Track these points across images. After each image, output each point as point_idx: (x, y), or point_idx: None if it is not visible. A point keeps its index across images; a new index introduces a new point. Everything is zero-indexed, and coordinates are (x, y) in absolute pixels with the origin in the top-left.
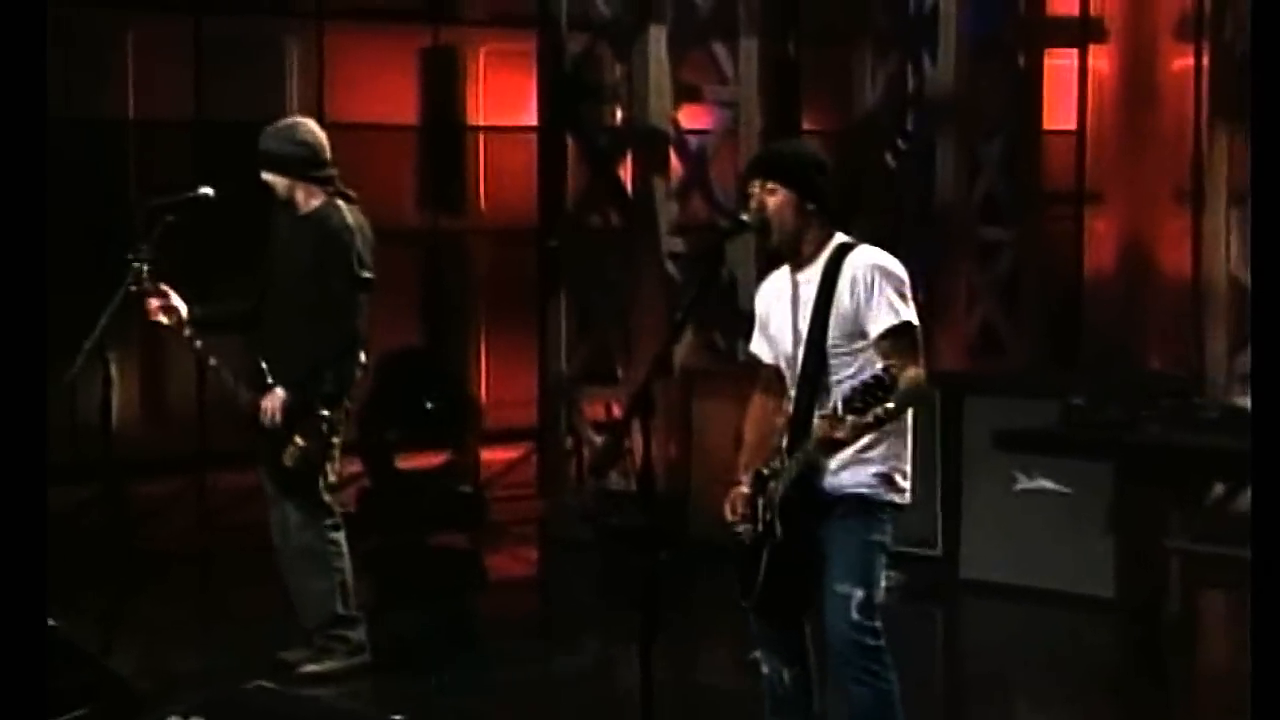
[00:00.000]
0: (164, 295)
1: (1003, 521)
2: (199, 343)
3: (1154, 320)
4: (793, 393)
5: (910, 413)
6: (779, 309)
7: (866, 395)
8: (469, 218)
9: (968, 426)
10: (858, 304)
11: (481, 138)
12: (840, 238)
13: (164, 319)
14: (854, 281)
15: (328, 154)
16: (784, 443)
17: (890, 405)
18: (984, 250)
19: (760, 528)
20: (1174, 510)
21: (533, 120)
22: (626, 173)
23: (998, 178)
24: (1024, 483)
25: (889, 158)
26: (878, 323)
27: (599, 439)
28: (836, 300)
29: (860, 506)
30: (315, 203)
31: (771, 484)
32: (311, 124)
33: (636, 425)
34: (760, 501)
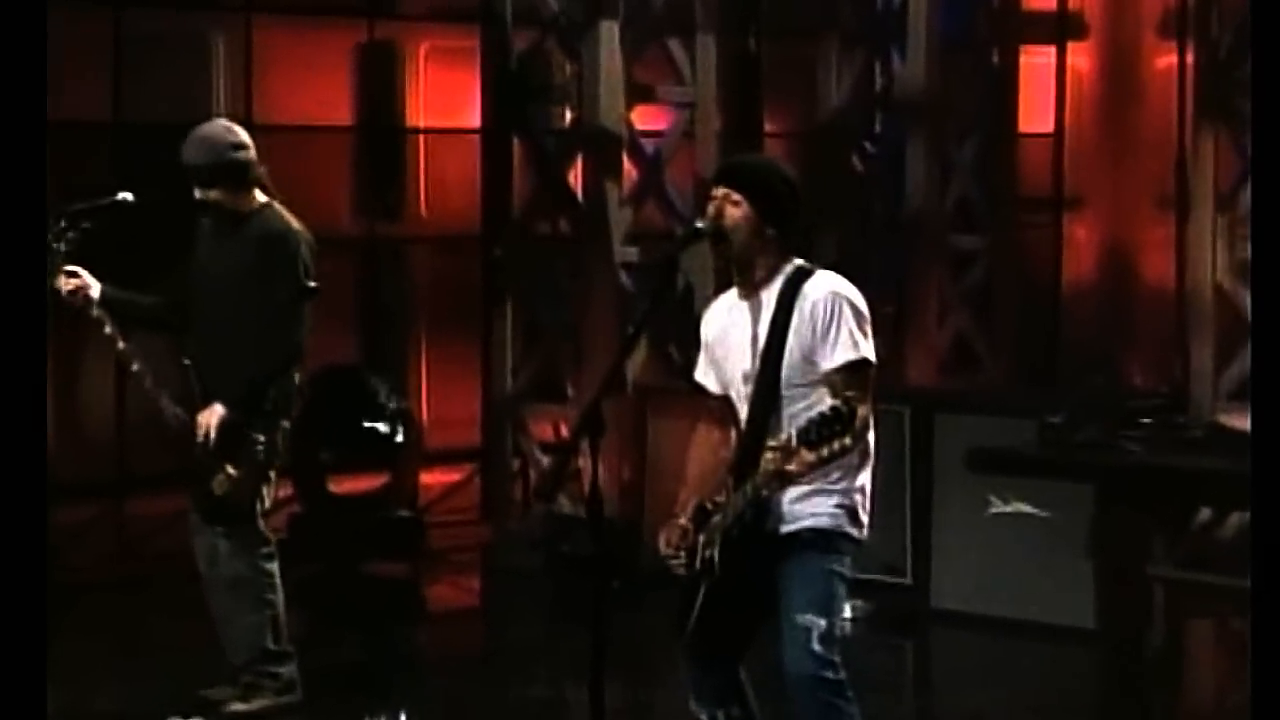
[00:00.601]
0: (74, 275)
1: (976, 547)
2: (123, 344)
3: (1137, 333)
4: (742, 424)
5: (873, 443)
6: (729, 336)
7: (823, 428)
8: (408, 225)
9: (939, 446)
10: (814, 334)
11: (422, 140)
12: (797, 262)
13: (74, 296)
14: (812, 309)
15: (253, 156)
16: (729, 476)
17: (847, 441)
18: (957, 259)
19: (699, 564)
20: (1158, 535)
21: (476, 121)
22: (576, 177)
23: (971, 182)
24: (999, 506)
25: (856, 161)
26: (834, 356)
27: (547, 460)
28: (793, 329)
29: (819, 538)
30: (253, 205)
31: (715, 518)
32: (233, 127)
33: (586, 445)
34: (700, 536)
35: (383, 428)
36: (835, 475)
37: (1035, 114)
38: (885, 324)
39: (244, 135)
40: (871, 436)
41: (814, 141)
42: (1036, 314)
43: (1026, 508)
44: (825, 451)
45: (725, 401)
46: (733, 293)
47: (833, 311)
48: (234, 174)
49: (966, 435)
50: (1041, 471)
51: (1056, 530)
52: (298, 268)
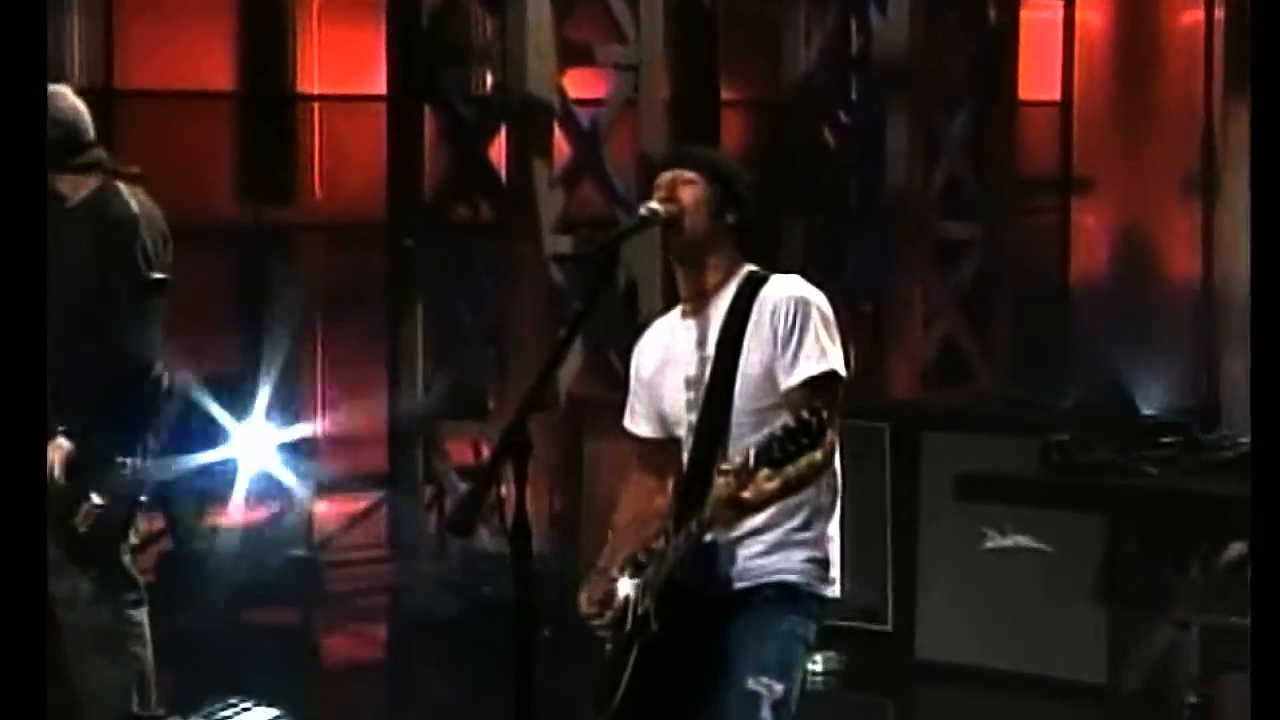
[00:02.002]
0: None
1: (968, 589)
2: None
3: (1156, 337)
4: (685, 456)
5: (840, 487)
6: (670, 366)
7: (787, 443)
8: (300, 210)
9: (925, 470)
10: (775, 344)
11: (316, 110)
12: (750, 268)
13: None
14: (772, 316)
15: (90, 129)
16: (669, 520)
17: (817, 457)
18: (946, 251)
19: (629, 623)
20: (1180, 574)
21: (381, 88)
22: (499, 153)
23: (962, 160)
24: (995, 540)
25: (828, 135)
26: (797, 369)
27: (465, 487)
28: (748, 340)
29: (784, 595)
30: (85, 191)
31: (650, 568)
32: (58, 92)
33: (510, 470)
34: (632, 591)
35: (270, 450)
36: (801, 520)
37: (1039, 80)
38: (862, 327)
39: (69, 103)
40: (838, 468)
41: (779, 112)
42: (1039, 315)
43: (1027, 542)
44: (791, 472)
45: (662, 447)
46: (672, 315)
47: (795, 317)
48: (51, 152)
49: (957, 457)
50: (1045, 499)
51: (1062, 568)
52: (137, 257)
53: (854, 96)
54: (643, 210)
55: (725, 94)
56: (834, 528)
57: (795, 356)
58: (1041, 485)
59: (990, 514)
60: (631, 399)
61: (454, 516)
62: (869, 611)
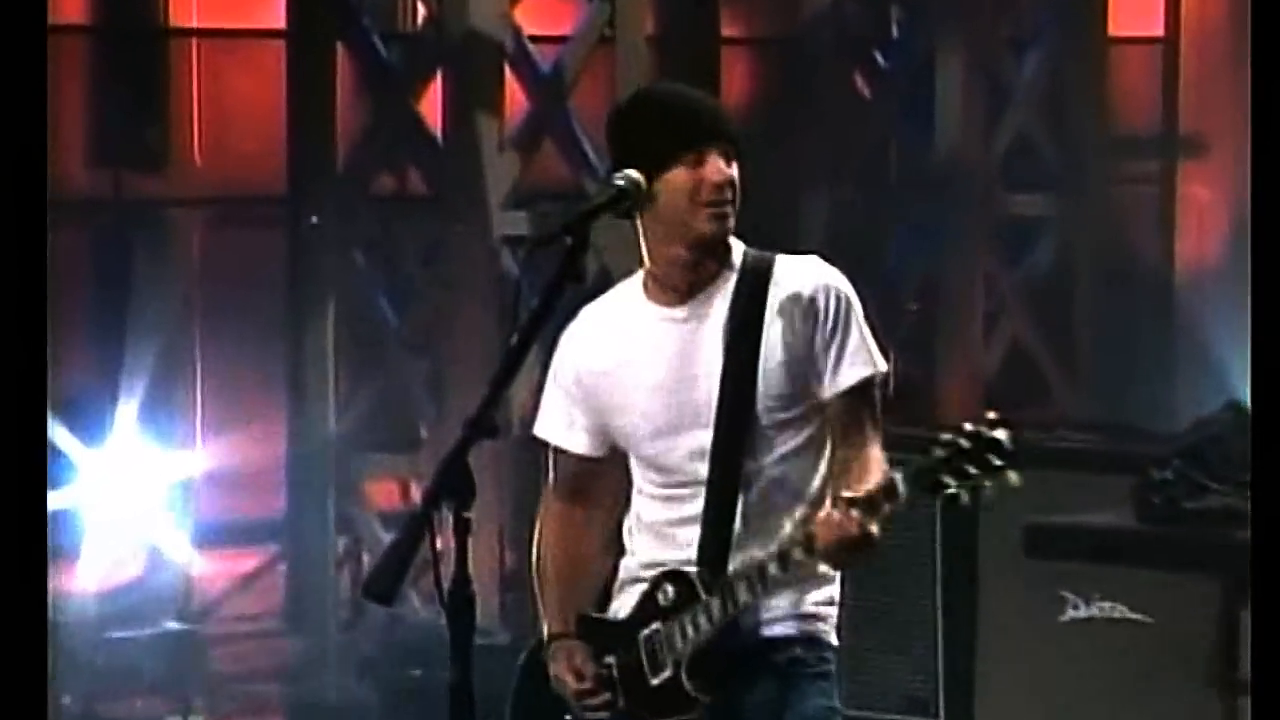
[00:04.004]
0: None
1: (1043, 671)
2: None
3: None
4: (675, 493)
5: None
6: (637, 363)
7: (970, 461)
8: (175, 179)
9: (986, 518)
10: (808, 345)
11: (195, 48)
12: (738, 246)
13: None
14: (807, 309)
15: None
16: (699, 569)
17: (1013, 476)
18: (1013, 232)
19: (629, 699)
20: None
21: (279, 21)
22: (434, 107)
23: (1034, 115)
24: (1078, 609)
25: (860, 82)
26: (842, 373)
27: (388, 539)
28: (767, 339)
29: (811, 653)
30: None
31: (657, 627)
32: None
33: (448, 515)
34: (635, 657)
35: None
36: (829, 591)
37: (1136, 9)
38: (906, 329)
39: None
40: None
41: (796, 53)
42: (1135, 315)
43: (1120, 611)
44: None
45: (602, 467)
46: (626, 298)
47: (834, 310)
48: None
49: (1027, 501)
50: (1143, 557)
51: (1166, 643)
52: None
53: (894, 33)
54: (618, 180)
55: (727, 29)
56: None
57: (839, 358)
58: (1138, 539)
59: (1071, 575)
60: (559, 404)
61: (373, 578)
62: (916, 702)
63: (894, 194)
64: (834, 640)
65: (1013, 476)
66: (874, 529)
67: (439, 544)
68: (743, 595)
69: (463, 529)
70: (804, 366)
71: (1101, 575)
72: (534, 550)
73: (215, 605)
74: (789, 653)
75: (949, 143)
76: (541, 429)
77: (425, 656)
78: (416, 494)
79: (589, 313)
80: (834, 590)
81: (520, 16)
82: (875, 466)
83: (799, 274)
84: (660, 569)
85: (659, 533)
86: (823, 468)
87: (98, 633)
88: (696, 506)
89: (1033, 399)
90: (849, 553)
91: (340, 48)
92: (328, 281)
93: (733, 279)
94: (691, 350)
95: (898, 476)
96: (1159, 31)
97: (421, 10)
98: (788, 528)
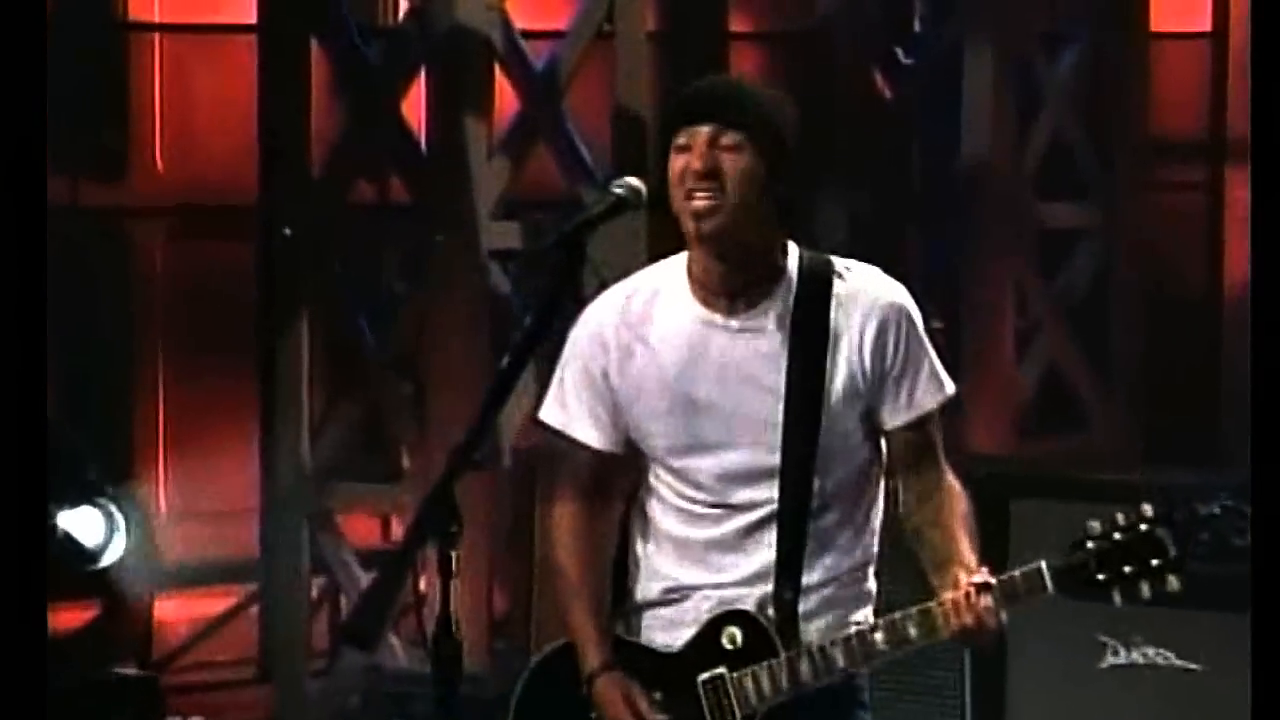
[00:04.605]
0: None
1: None
2: None
3: None
4: (707, 512)
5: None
6: (686, 371)
7: (1127, 560)
8: (136, 187)
9: (1018, 554)
10: (879, 368)
11: (157, 44)
12: (794, 248)
13: None
14: (878, 333)
15: None
16: (762, 613)
17: (1173, 579)
18: (1048, 244)
19: None
20: None
21: (250, 16)
22: (417, 108)
23: (1071, 115)
24: (1118, 655)
25: (880, 82)
26: (915, 402)
27: (368, 578)
28: (834, 359)
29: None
30: None
31: (721, 672)
32: None
33: (433, 553)
34: (692, 700)
35: (90, 526)
36: (860, 557)
37: (1180, 1)
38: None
39: None
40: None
41: (810, 49)
42: (1180, 334)
43: (1165, 656)
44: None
45: (611, 465)
46: (668, 290)
47: (907, 337)
48: None
49: (1063, 537)
50: (1189, 597)
51: (1214, 692)
52: None
53: (917, 25)
54: (618, 188)
55: (735, 23)
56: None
57: (913, 389)
58: (1186, 577)
59: (1111, 618)
60: (578, 392)
61: (352, 621)
62: None
63: (917, 202)
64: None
65: (1173, 581)
66: (1003, 618)
67: (423, 584)
68: (840, 662)
69: (448, 568)
70: (870, 395)
71: (1144, 618)
72: (554, 559)
73: (178, 651)
74: (849, 691)
75: (977, 146)
76: (552, 416)
77: (408, 707)
78: (399, 530)
79: (621, 294)
80: (876, 603)
81: (511, 9)
82: (959, 499)
83: (864, 293)
84: (692, 594)
85: (684, 551)
86: (880, 499)
87: (58, 676)
88: (726, 529)
89: (1068, 426)
90: (974, 640)
91: (315, 43)
92: (302, 298)
93: (790, 289)
94: (744, 366)
95: (1045, 567)
96: (1206, 26)
97: (404, 3)
98: (845, 565)
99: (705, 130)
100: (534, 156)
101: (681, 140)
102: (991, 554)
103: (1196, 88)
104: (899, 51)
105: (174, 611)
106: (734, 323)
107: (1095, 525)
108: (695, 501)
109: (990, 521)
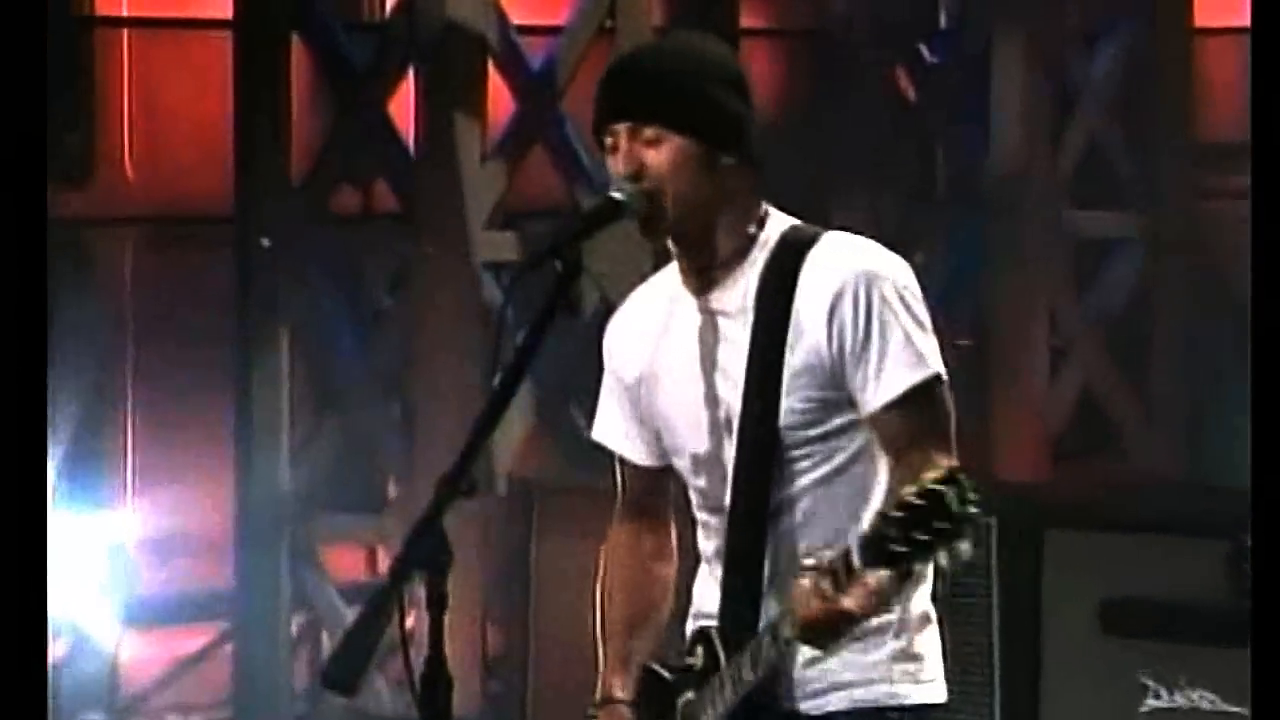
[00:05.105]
0: None
1: None
2: None
3: None
4: (709, 520)
5: None
6: (668, 360)
7: (912, 528)
8: (101, 194)
9: (1052, 590)
10: (842, 345)
11: (126, 40)
12: (781, 219)
13: None
14: (834, 302)
15: None
16: (712, 624)
17: (963, 548)
18: (1084, 255)
19: None
20: None
21: (224, 10)
22: (405, 110)
23: (1108, 118)
24: (1161, 698)
25: (903, 79)
26: (885, 381)
27: (351, 615)
28: (795, 339)
29: None
30: None
31: (690, 696)
32: None
33: (421, 588)
34: None
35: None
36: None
37: None
38: (958, 369)
39: None
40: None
41: (827, 46)
42: (1227, 352)
43: (1211, 700)
44: (916, 571)
45: (659, 481)
46: (666, 282)
47: (869, 301)
48: None
49: (1102, 571)
50: (1238, 636)
51: None
52: None
53: (943, 20)
54: (614, 193)
55: (746, 19)
56: (924, 600)
57: (880, 363)
58: (1232, 615)
59: (1153, 658)
60: (611, 403)
61: (334, 662)
62: None
63: (942, 211)
64: (911, 699)
65: (964, 548)
66: (848, 604)
67: (410, 622)
68: (760, 663)
69: (438, 604)
70: (834, 374)
71: (1189, 657)
72: (598, 586)
73: (148, 694)
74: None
75: (1007, 150)
76: (599, 432)
77: None
78: (384, 563)
79: (640, 293)
80: (901, 642)
81: (507, 4)
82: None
83: (832, 258)
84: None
85: (703, 569)
86: (874, 498)
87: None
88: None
89: (1107, 451)
90: (824, 633)
91: (296, 39)
92: (281, 313)
93: (762, 258)
94: (714, 350)
95: (855, 546)
96: (1249, 22)
97: None
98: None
99: (622, 128)
100: (530, 161)
101: (607, 140)
102: (1023, 590)
103: (1243, 87)
104: (923, 49)
105: (142, 651)
106: (702, 303)
107: (908, 495)
108: (701, 509)
109: (1022, 555)
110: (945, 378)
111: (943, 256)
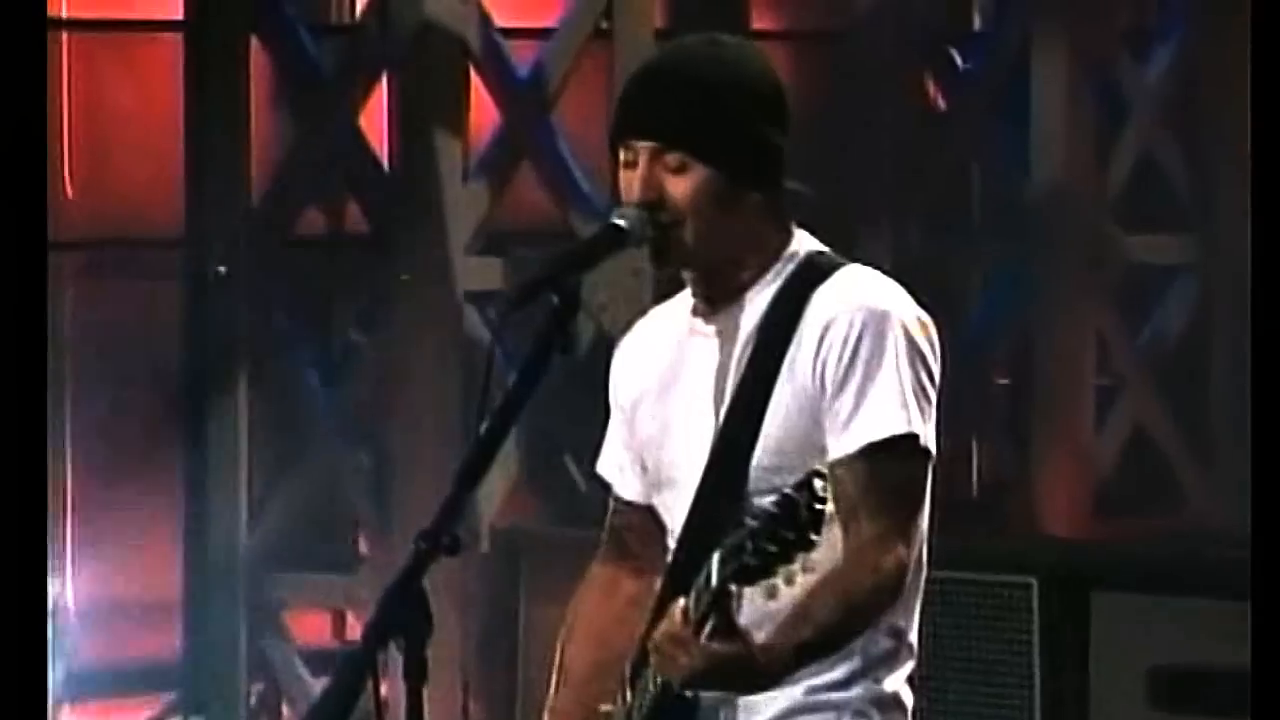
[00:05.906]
0: None
1: None
2: None
3: None
4: (670, 548)
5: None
6: (664, 382)
7: (762, 539)
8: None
9: (1100, 657)
10: (823, 382)
11: (66, 43)
12: (807, 243)
13: None
14: (824, 336)
15: None
16: (633, 658)
17: (810, 561)
18: (1135, 284)
19: None
20: None
21: (176, 10)
22: (378, 122)
23: (1161, 133)
24: None
25: (932, 89)
26: (855, 427)
27: (319, 685)
28: (788, 370)
29: None
30: None
31: None
32: None
33: (397, 655)
34: None
35: None
36: (841, 673)
37: None
38: (994, 408)
39: None
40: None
41: (849, 52)
42: None
43: None
44: (775, 586)
45: (645, 523)
46: (677, 304)
47: (860, 341)
48: None
49: (1153, 637)
50: None
51: None
52: None
53: (977, 23)
54: (618, 219)
55: (758, 20)
56: (898, 683)
57: (855, 408)
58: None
59: None
60: (613, 433)
61: None
62: None
63: (977, 234)
64: None
65: (792, 571)
66: (714, 645)
67: (385, 691)
68: (648, 700)
69: (416, 673)
70: (815, 410)
71: None
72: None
73: None
74: None
75: (1049, 167)
76: (599, 464)
77: None
78: (354, 628)
79: (650, 317)
80: (854, 664)
81: (490, 4)
82: (852, 577)
83: (842, 290)
84: None
85: None
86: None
87: None
88: None
89: (1160, 501)
90: (668, 665)
91: (255, 43)
92: (238, 350)
93: (774, 285)
94: (710, 375)
95: (714, 560)
96: None
97: None
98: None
99: (645, 148)
100: (517, 179)
101: (626, 155)
102: (1068, 657)
103: None
104: (955, 54)
105: None
106: (711, 327)
107: (765, 504)
108: (669, 536)
109: (1066, 618)
110: (927, 446)
111: (977, 285)
